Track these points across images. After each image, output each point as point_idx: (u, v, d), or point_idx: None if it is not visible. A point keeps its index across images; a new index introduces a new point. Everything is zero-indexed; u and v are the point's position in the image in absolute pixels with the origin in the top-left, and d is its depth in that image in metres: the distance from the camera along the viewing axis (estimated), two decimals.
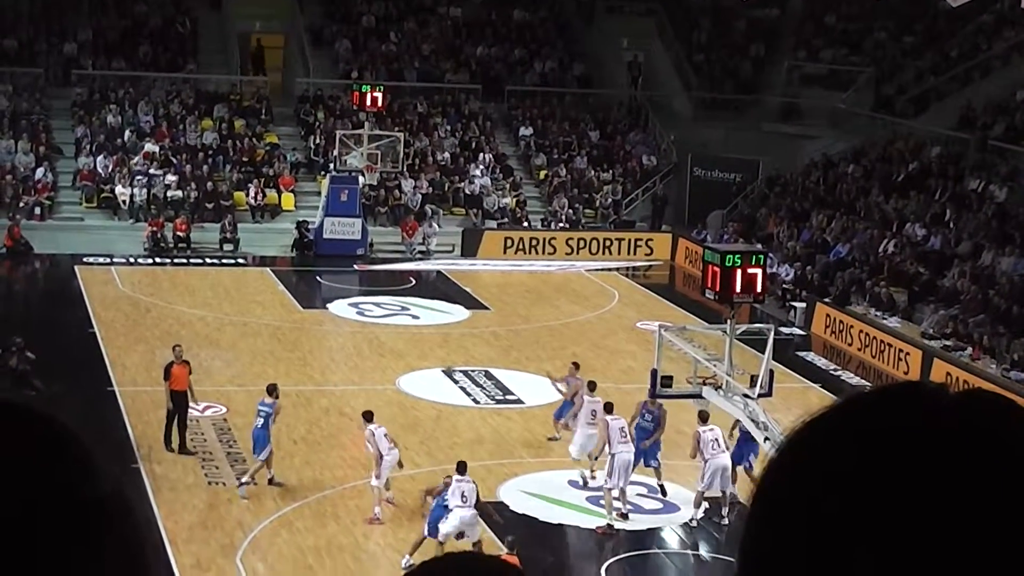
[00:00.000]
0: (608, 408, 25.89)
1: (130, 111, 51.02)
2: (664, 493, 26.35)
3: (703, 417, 25.21)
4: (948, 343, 37.16)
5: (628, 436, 25.49)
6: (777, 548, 1.48)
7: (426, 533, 22.87)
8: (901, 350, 36.69)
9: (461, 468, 23.43)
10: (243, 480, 25.67)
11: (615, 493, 25.29)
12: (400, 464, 25.27)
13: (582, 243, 49.03)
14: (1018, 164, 44.29)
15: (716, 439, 25.10)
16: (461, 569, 1.74)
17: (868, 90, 54.41)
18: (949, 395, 1.48)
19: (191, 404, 27.74)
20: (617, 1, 60.38)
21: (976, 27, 53.71)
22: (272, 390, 26.46)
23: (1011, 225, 41.46)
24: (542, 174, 52.65)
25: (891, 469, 1.42)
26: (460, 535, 22.83)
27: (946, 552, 1.38)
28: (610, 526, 24.98)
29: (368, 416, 25.64)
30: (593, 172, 52.82)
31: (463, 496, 22.87)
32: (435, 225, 48.34)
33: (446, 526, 22.77)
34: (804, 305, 41.27)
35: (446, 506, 22.82)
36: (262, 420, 25.95)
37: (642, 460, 25.94)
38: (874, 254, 43.23)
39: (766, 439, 23.26)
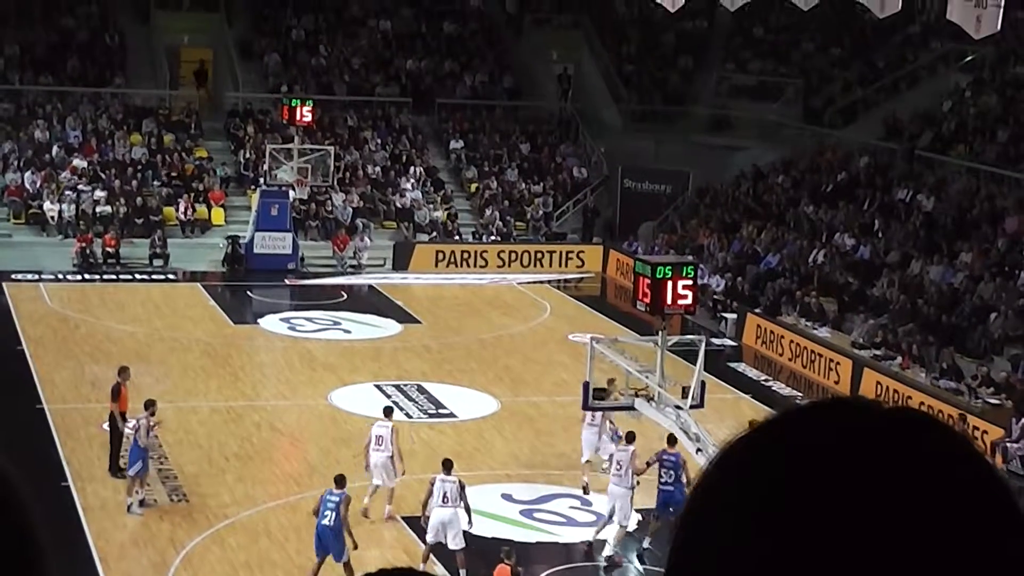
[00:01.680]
0: (629, 438, 24.88)
1: (58, 126, 50.67)
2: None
3: (629, 438, 25.02)
4: (878, 352, 37.39)
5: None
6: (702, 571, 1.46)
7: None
8: (831, 360, 36.89)
9: (447, 466, 23.59)
10: (129, 502, 25.46)
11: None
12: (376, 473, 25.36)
13: (513, 256, 49.03)
14: (945, 174, 44.68)
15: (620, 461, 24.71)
16: None
17: (797, 101, 54.78)
18: (880, 414, 1.46)
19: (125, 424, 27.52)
20: (544, 14, 60.53)
21: (903, 38, 54.20)
22: (148, 405, 26.00)
23: (939, 234, 41.79)
24: (473, 187, 52.64)
25: (821, 497, 1.40)
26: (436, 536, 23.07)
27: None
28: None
29: (385, 411, 26.72)
30: (524, 184, 52.87)
31: (444, 496, 23.03)
32: (366, 239, 48.21)
33: (430, 525, 23.01)
34: (735, 316, 41.43)
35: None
36: (132, 434, 25.66)
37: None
38: (804, 264, 43.46)
39: (698, 451, 23.32)
